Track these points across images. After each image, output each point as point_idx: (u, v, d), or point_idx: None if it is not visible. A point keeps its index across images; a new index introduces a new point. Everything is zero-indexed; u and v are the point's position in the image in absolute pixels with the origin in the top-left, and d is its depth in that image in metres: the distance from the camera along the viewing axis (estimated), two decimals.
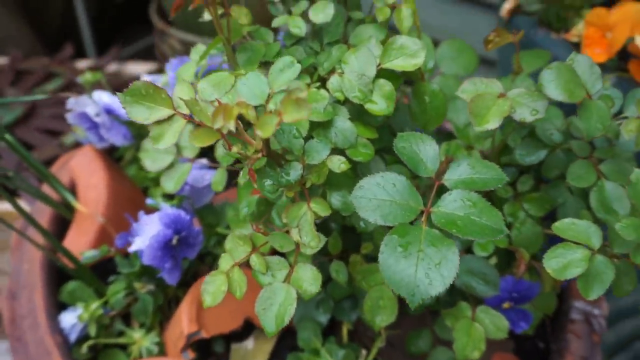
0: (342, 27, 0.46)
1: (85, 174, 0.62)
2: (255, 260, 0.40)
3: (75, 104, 0.59)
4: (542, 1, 0.67)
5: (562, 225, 0.38)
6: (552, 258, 0.37)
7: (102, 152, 0.66)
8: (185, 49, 1.04)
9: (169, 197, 0.66)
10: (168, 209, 0.52)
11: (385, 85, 0.42)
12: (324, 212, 0.37)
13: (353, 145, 0.42)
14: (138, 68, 1.22)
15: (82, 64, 1.21)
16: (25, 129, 0.98)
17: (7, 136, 0.53)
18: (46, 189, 0.65)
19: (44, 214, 0.61)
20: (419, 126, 0.47)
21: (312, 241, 0.36)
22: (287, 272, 0.40)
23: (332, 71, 0.44)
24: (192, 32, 1.03)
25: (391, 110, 0.42)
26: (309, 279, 0.39)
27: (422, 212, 0.36)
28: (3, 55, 1.23)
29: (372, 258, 0.51)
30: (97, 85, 0.72)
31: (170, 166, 0.54)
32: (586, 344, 0.54)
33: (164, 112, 0.33)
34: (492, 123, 0.38)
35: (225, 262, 0.41)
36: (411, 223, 0.35)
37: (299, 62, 0.46)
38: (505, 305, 0.47)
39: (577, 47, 0.65)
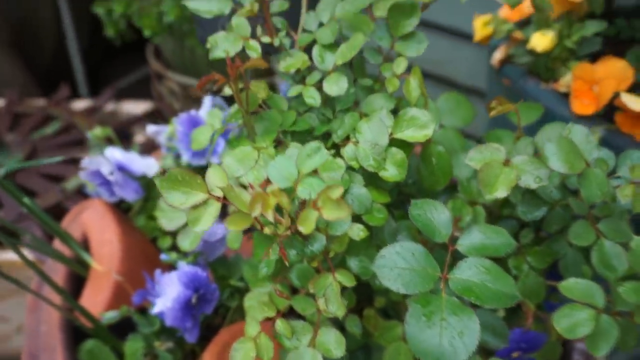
0: (353, 96, 0.49)
1: (98, 230, 0.64)
2: (281, 326, 0.42)
3: (90, 163, 0.61)
4: (531, 53, 0.71)
5: (568, 285, 0.41)
6: (561, 317, 0.39)
7: (112, 206, 0.68)
8: (183, 91, 1.07)
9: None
10: (185, 268, 0.54)
11: (397, 153, 0.45)
12: (349, 283, 0.39)
13: (369, 211, 0.45)
14: (134, 107, 1.24)
15: (78, 104, 1.22)
16: (25, 174, 0.98)
17: (18, 192, 0.55)
18: (58, 244, 0.66)
19: (57, 272, 0.62)
20: (428, 187, 0.50)
21: (338, 310, 0.38)
22: (312, 336, 0.42)
23: (346, 139, 0.47)
24: (190, 75, 1.06)
25: (403, 176, 0.44)
26: (334, 342, 0.41)
27: (439, 279, 0.38)
28: None
29: (385, 312, 0.53)
30: (104, 139, 0.73)
31: (186, 225, 0.56)
32: None
33: (199, 196, 0.35)
34: (501, 192, 0.41)
35: (251, 328, 0.43)
36: (431, 290, 0.38)
37: (311, 128, 0.50)
38: (514, 354, 0.49)
39: (565, 97, 0.69)
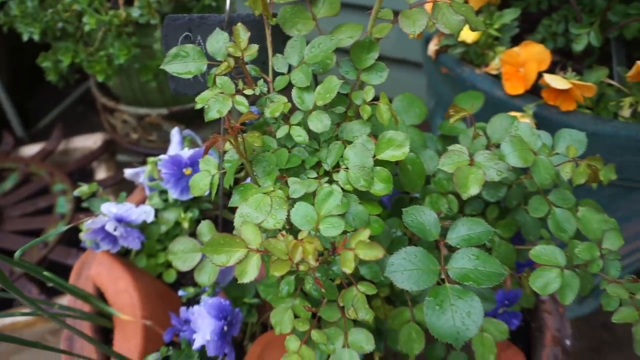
0: (334, 127, 0.56)
1: (111, 282, 0.68)
2: (316, 335, 0.50)
3: (92, 223, 0.64)
4: (463, 44, 0.81)
5: (536, 252, 0.51)
6: (535, 279, 0.50)
7: (115, 255, 0.72)
8: (139, 121, 1.09)
9: (189, 279, 0.73)
10: (210, 301, 0.60)
11: (382, 171, 0.53)
12: (371, 292, 0.47)
13: (368, 224, 0.53)
14: (86, 141, 1.24)
15: (29, 150, 1.20)
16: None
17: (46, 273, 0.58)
18: (70, 301, 0.70)
19: (82, 327, 0.66)
20: (409, 190, 0.59)
21: (367, 315, 0.46)
22: (343, 338, 0.50)
23: (336, 166, 0.54)
24: (142, 106, 1.07)
25: (390, 190, 0.52)
26: (364, 339, 0.49)
27: (440, 271, 0.47)
28: None
29: (389, 299, 0.62)
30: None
31: (201, 262, 0.62)
32: (556, 317, 0.69)
33: (240, 253, 0.42)
34: (473, 189, 0.50)
35: (292, 343, 0.50)
36: (437, 283, 0.46)
37: (303, 161, 0.56)
38: (500, 311, 0.60)
39: (497, 78, 0.79)
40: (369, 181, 0.52)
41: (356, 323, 0.54)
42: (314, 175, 0.56)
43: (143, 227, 0.75)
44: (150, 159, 0.80)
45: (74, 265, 0.74)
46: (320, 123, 0.53)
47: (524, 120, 0.73)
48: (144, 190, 0.84)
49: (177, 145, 0.82)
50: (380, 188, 0.52)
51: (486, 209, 0.63)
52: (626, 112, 0.73)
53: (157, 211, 0.78)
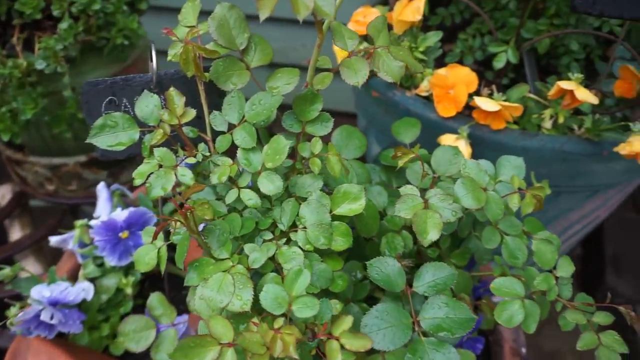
0: (285, 186, 0.54)
1: None
2: None
3: (24, 314, 0.57)
4: None
5: (497, 285, 0.53)
6: (501, 312, 0.51)
7: (51, 340, 0.65)
8: (55, 172, 0.99)
9: None
10: None
11: (340, 226, 0.52)
12: (349, 359, 0.46)
13: (333, 281, 0.51)
14: None
15: None
16: None
17: None
18: None
19: None
20: (365, 235, 0.58)
21: None
22: None
23: (292, 225, 0.52)
24: (56, 155, 0.98)
25: (350, 243, 0.51)
26: None
27: (412, 324, 0.47)
28: None
29: None
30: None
31: (157, 339, 0.58)
32: (512, 329, 0.72)
33: (213, 352, 0.39)
34: (433, 234, 0.50)
35: None
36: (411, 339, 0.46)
37: (257, 223, 0.54)
38: (465, 339, 0.61)
39: (428, 100, 0.81)
40: (329, 238, 0.50)
41: None
42: (270, 236, 0.53)
43: (81, 302, 0.69)
44: (78, 223, 0.73)
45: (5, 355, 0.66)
46: (271, 185, 0.50)
47: (460, 142, 0.75)
48: (73, 256, 0.76)
49: (106, 203, 0.76)
50: (340, 243, 0.51)
51: (439, 240, 0.64)
52: (547, 124, 0.77)
53: (94, 279, 0.72)
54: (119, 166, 1.04)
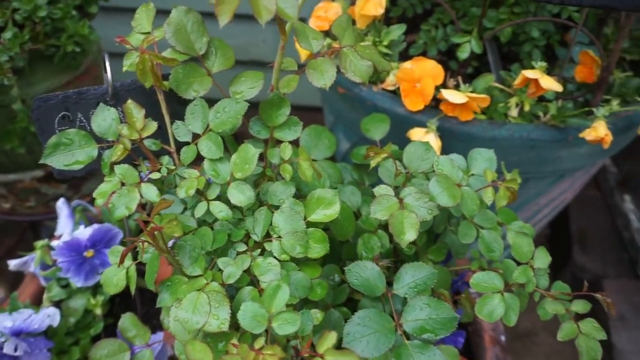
0: (255, 194, 0.52)
1: None
2: None
3: None
4: None
5: (476, 281, 0.52)
6: (481, 307, 0.51)
7: None
8: (11, 189, 0.94)
9: None
10: None
11: (316, 232, 0.50)
12: None
13: (312, 289, 0.50)
14: None
15: None
16: None
17: None
18: None
19: None
20: (341, 238, 0.57)
21: None
22: None
23: (266, 235, 0.51)
24: (10, 171, 0.92)
25: (327, 249, 0.50)
26: None
27: (395, 327, 0.46)
28: None
29: None
30: None
31: None
32: None
33: None
34: (410, 235, 0.49)
35: None
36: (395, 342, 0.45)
37: (229, 235, 0.52)
38: None
39: (395, 94, 0.80)
40: (305, 246, 0.49)
41: None
42: (243, 247, 0.51)
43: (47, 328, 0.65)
44: (39, 244, 0.69)
45: None
46: (242, 195, 0.49)
47: (429, 136, 0.75)
48: (35, 279, 0.73)
49: (68, 220, 0.72)
50: (317, 250, 0.50)
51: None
52: (514, 112, 0.78)
53: (60, 302, 0.68)
54: (78, 178, 0.99)
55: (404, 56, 0.86)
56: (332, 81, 0.49)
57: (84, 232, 0.64)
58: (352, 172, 0.72)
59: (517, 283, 0.54)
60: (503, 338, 0.72)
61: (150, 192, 0.45)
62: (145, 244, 0.47)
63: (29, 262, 0.70)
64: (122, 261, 0.42)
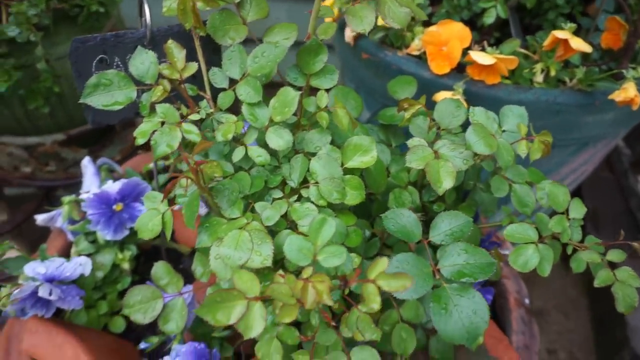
0: (292, 141, 0.52)
1: (54, 351, 0.58)
2: None
3: (20, 292, 0.54)
4: (383, 28, 0.80)
5: (509, 232, 0.52)
6: (516, 257, 0.51)
7: (49, 320, 0.61)
8: (32, 152, 0.94)
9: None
10: (182, 349, 0.54)
11: (352, 179, 0.50)
12: (377, 308, 0.45)
13: (348, 236, 0.50)
14: None
15: None
16: None
17: None
18: None
19: None
20: (375, 191, 0.57)
21: (373, 335, 0.44)
22: (346, 359, 0.48)
23: (303, 181, 0.51)
24: (31, 134, 0.93)
25: (363, 196, 0.50)
26: (369, 357, 0.48)
27: (433, 272, 0.46)
28: None
29: None
30: None
31: (165, 309, 0.55)
32: (514, 280, 0.73)
33: (240, 306, 0.37)
34: (447, 183, 0.49)
35: None
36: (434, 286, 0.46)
37: (265, 182, 0.52)
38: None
39: (420, 59, 0.80)
40: (342, 192, 0.49)
41: (350, 342, 0.52)
42: (279, 194, 0.52)
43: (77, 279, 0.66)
44: (66, 199, 0.69)
45: None
46: (280, 139, 0.49)
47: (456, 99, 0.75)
48: (62, 234, 0.73)
49: (94, 178, 0.72)
50: (353, 197, 0.50)
51: (444, 194, 0.63)
52: (539, 78, 0.77)
53: (88, 256, 0.68)
54: (99, 144, 0.99)
55: (426, 27, 0.85)
56: (371, 26, 0.49)
57: (114, 186, 0.64)
58: (378, 133, 0.71)
59: (550, 236, 0.54)
60: (527, 301, 0.72)
61: (192, 131, 0.45)
62: (182, 188, 0.47)
63: (56, 217, 0.70)
64: (167, 194, 0.42)
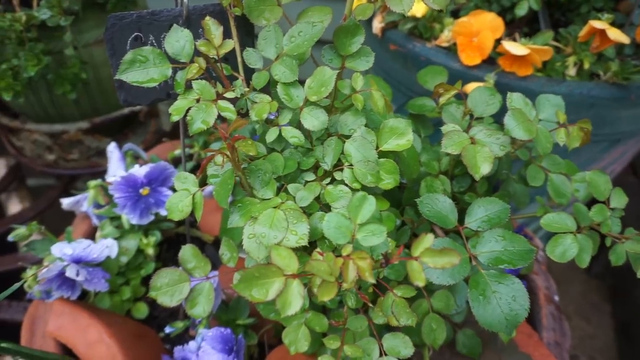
0: (326, 123, 0.51)
1: (79, 333, 0.58)
2: (351, 350, 0.46)
3: (48, 272, 0.54)
4: (413, 19, 0.79)
5: (546, 221, 0.51)
6: (553, 247, 0.50)
7: (74, 303, 0.61)
8: (56, 140, 0.94)
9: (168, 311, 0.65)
10: (209, 334, 0.53)
11: (387, 163, 0.49)
12: (410, 294, 0.44)
13: (380, 221, 0.49)
14: None
15: None
16: None
17: None
18: None
19: None
20: (408, 178, 0.56)
21: (409, 320, 0.43)
22: (377, 347, 0.47)
23: (336, 164, 0.50)
24: (56, 122, 0.93)
25: (398, 181, 0.49)
26: (401, 344, 0.46)
27: (470, 258, 0.45)
28: None
29: None
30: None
31: (192, 292, 0.55)
32: (543, 276, 0.71)
33: (278, 283, 0.36)
34: (485, 168, 0.48)
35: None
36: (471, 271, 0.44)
37: (298, 163, 0.51)
38: None
39: (449, 50, 0.79)
40: (376, 176, 0.48)
41: (379, 328, 0.51)
42: (312, 177, 0.51)
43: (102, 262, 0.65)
44: (92, 183, 0.69)
45: (22, 323, 0.62)
46: (316, 120, 0.48)
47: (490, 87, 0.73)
48: (87, 219, 0.73)
49: (120, 163, 0.72)
50: (388, 181, 0.49)
51: (474, 184, 0.62)
52: (572, 71, 0.76)
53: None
54: (122, 133, 0.99)
55: (456, 18, 0.84)
56: (410, 7, 0.48)
57: (141, 170, 0.64)
58: None
59: (588, 226, 0.52)
60: (557, 298, 0.70)
61: (228, 109, 0.45)
62: (218, 166, 0.46)
63: (81, 202, 0.70)
64: (202, 169, 0.41)
